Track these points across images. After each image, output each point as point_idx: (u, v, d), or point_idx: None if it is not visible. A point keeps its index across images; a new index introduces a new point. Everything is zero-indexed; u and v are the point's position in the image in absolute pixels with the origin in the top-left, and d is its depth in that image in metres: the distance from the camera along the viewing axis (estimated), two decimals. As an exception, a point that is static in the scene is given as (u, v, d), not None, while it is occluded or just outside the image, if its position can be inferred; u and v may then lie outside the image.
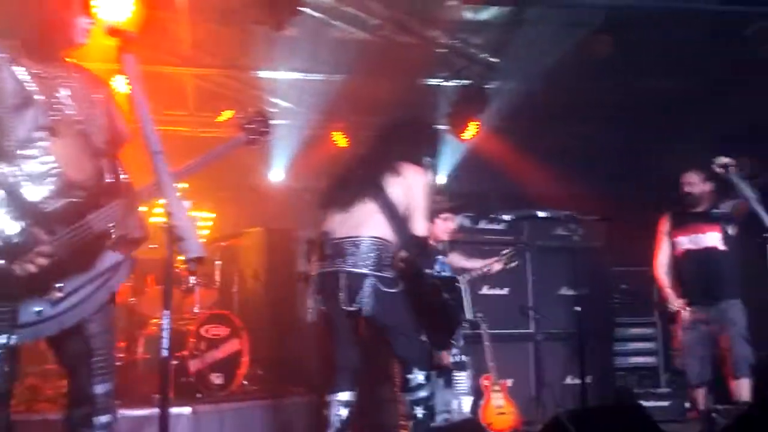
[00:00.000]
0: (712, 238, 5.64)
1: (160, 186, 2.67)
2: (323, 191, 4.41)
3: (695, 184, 5.72)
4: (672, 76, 6.94)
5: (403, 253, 4.14)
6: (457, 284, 4.26)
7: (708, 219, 5.55)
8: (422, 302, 4.16)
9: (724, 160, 5.19)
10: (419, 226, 4.16)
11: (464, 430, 3.17)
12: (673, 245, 5.80)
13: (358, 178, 4.26)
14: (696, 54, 6.51)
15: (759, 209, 5.02)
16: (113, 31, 2.86)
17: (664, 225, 5.90)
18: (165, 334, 2.66)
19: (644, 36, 5.98)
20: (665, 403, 7.10)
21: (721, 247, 5.62)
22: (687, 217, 5.77)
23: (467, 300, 4.25)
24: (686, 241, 5.74)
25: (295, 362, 7.00)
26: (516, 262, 6.01)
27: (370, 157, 4.40)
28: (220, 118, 7.13)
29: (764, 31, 6.05)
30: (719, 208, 5.66)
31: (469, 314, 4.28)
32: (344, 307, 4.03)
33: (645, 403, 6.87)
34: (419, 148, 4.36)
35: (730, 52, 6.43)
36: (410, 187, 4.17)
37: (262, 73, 6.89)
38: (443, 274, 5.29)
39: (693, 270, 5.68)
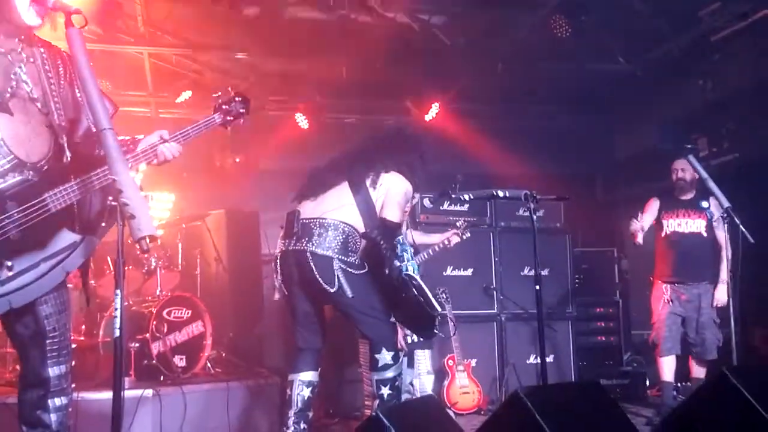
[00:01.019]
0: (699, 225, 5.84)
1: (110, 163, 2.63)
2: (302, 182, 4.41)
3: (687, 170, 5.86)
4: (627, 58, 7.01)
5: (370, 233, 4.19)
6: (415, 282, 4.31)
7: (697, 207, 5.67)
8: (396, 295, 4.20)
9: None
10: (392, 213, 4.22)
11: (423, 406, 3.20)
12: (661, 225, 6.00)
13: (339, 172, 4.29)
14: (651, 36, 6.60)
15: (714, 189, 5.14)
16: (57, 6, 2.79)
17: (654, 204, 6.07)
18: (117, 313, 2.62)
19: (600, 17, 6.03)
20: (626, 382, 7.22)
21: (705, 234, 5.81)
22: (677, 202, 5.98)
23: (429, 293, 4.31)
24: (675, 224, 5.95)
25: (258, 344, 6.99)
26: (469, 234, 6.08)
27: (357, 156, 4.42)
28: (180, 99, 7.04)
29: (717, 14, 6.15)
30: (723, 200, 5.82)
31: (438, 307, 4.34)
32: (319, 289, 4.04)
33: (606, 382, 7.03)
34: (408, 160, 4.40)
35: (685, 34, 6.53)
36: (389, 190, 4.24)
37: (222, 54, 6.80)
38: (404, 255, 5.31)
39: (678, 251, 5.92)
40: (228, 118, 3.44)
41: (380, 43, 6.46)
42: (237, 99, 3.49)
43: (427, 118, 7.18)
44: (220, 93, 3.53)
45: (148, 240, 2.59)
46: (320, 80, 7.05)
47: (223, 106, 3.43)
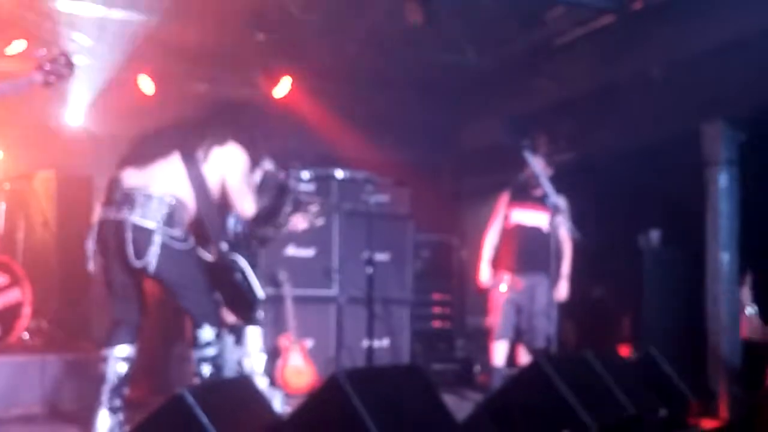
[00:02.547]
0: (541, 219, 6.04)
1: None
2: (128, 148, 4.19)
3: (537, 166, 6.06)
4: (477, 52, 7.18)
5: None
6: (240, 265, 4.24)
7: (543, 202, 5.88)
8: (220, 276, 4.17)
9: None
10: (247, 206, 4.18)
11: (234, 385, 3.15)
12: (507, 217, 6.25)
13: (169, 141, 4.09)
14: (500, 33, 6.80)
15: (546, 185, 5.39)
16: None
17: (503, 199, 6.31)
18: None
19: (452, 10, 6.15)
20: (458, 366, 7.46)
21: (545, 229, 6.04)
22: (526, 196, 6.20)
23: (255, 278, 4.26)
24: (519, 217, 6.21)
25: (85, 317, 6.66)
26: (323, 221, 6.00)
27: (189, 126, 4.24)
28: (10, 50, 6.53)
29: (561, 18, 6.43)
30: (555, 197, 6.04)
31: (260, 293, 4.28)
32: (131, 263, 3.87)
33: (439, 366, 7.26)
34: (245, 133, 4.26)
35: (532, 34, 6.78)
36: (227, 169, 4.12)
37: (61, 4, 6.36)
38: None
39: (519, 242, 6.18)
40: (50, 78, 3.30)
41: (233, 11, 6.27)
42: (61, 60, 3.35)
43: (277, 93, 7.05)
44: (44, 50, 3.36)
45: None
46: (168, 43, 6.74)
47: (46, 66, 3.29)
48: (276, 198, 4.47)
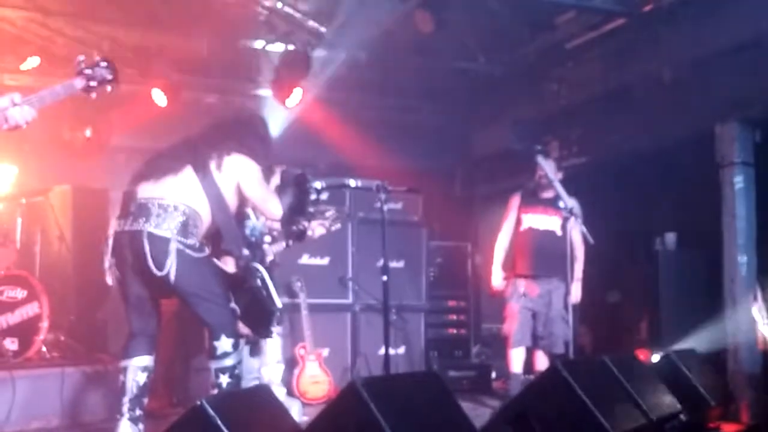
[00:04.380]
0: (554, 223, 6.02)
1: None
2: (141, 164, 4.23)
3: (551, 170, 6.06)
4: (488, 58, 7.20)
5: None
6: (260, 274, 4.24)
7: (555, 205, 5.88)
8: (238, 284, 4.17)
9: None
10: (273, 207, 4.23)
11: (253, 395, 3.15)
12: (519, 221, 6.21)
13: (180, 156, 4.13)
14: (510, 39, 6.81)
15: (560, 189, 5.38)
16: None
17: (515, 202, 6.28)
18: None
19: (463, 17, 6.16)
20: (474, 373, 7.43)
21: (559, 233, 6.02)
22: (537, 199, 6.18)
23: (273, 288, 4.26)
24: (531, 220, 6.16)
25: (102, 329, 6.70)
26: (339, 225, 6.01)
27: (198, 140, 4.28)
28: (24, 66, 6.60)
29: (571, 23, 6.43)
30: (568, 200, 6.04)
31: (278, 302, 4.26)
32: (153, 273, 3.88)
33: (455, 373, 7.24)
34: (248, 141, 4.30)
35: (542, 39, 6.78)
36: (241, 179, 4.15)
37: (74, 21, 6.42)
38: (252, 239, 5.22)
39: (533, 247, 6.13)
40: (91, 83, 3.25)
41: (243, 23, 6.31)
42: (102, 64, 3.31)
43: (290, 103, 7.08)
44: (83, 57, 3.32)
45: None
46: (179, 56, 6.80)
47: (86, 71, 3.25)
48: (298, 194, 4.50)
